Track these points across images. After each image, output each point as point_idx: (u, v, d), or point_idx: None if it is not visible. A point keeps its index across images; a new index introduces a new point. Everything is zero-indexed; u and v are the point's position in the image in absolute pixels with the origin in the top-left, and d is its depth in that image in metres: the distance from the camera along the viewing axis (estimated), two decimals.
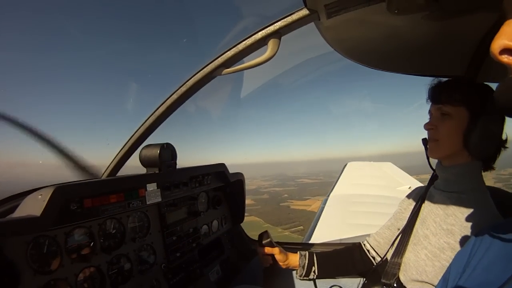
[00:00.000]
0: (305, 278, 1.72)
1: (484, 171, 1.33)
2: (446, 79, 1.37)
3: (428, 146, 1.38)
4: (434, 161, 1.44)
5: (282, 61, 1.41)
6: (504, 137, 1.25)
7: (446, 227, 1.25)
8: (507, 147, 1.28)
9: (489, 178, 1.36)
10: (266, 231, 1.79)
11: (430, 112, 1.37)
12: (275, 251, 1.72)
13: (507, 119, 1.25)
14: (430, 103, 1.37)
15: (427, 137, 1.39)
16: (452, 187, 1.33)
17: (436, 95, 1.33)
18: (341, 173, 8.73)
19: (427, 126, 1.35)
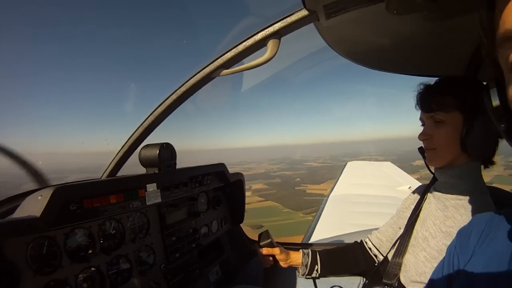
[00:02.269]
0: (307, 276, 1.72)
1: (485, 168, 1.32)
2: (434, 83, 1.35)
3: (426, 155, 1.37)
4: None
5: (284, 58, 1.41)
6: None
7: (445, 229, 1.24)
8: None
9: (499, 165, 1.34)
10: (266, 231, 1.79)
11: (421, 119, 1.35)
12: (276, 251, 1.72)
13: None
14: (420, 111, 1.35)
15: (423, 146, 1.38)
16: (451, 189, 1.32)
17: (426, 103, 1.31)
18: (341, 173, 8.76)
19: (421, 137, 1.33)
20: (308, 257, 1.71)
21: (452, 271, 0.80)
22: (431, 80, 1.37)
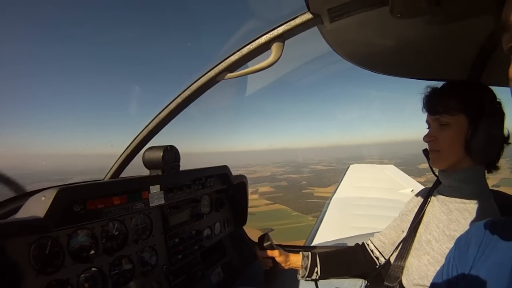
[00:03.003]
0: (307, 279, 1.72)
1: (488, 173, 1.32)
2: (440, 86, 1.36)
3: (430, 157, 1.37)
4: None
5: (288, 62, 1.42)
6: (506, 133, 1.25)
7: (449, 233, 1.24)
8: (510, 143, 1.27)
9: (505, 168, 1.35)
10: (266, 234, 1.79)
11: (427, 122, 1.36)
12: (275, 253, 1.72)
13: (507, 115, 1.24)
14: (427, 113, 1.36)
15: (427, 148, 1.38)
16: (455, 192, 1.32)
17: (432, 106, 1.31)
18: (344, 175, 8.72)
19: (426, 139, 1.34)
20: (308, 259, 1.71)
21: (452, 283, 0.79)
22: (439, 84, 1.37)
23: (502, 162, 1.31)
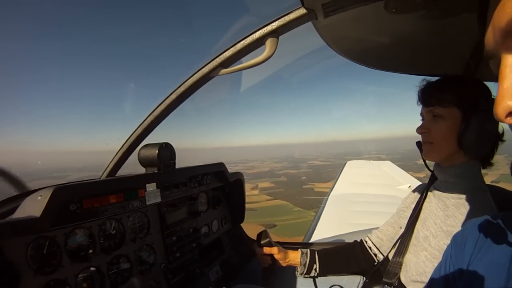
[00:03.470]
0: (306, 276, 1.72)
1: (483, 169, 1.32)
2: (435, 80, 1.37)
3: (422, 149, 1.38)
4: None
5: (282, 57, 1.42)
6: (500, 130, 1.25)
7: (446, 228, 1.25)
8: (504, 140, 1.27)
9: (503, 164, 1.36)
10: (264, 231, 1.79)
11: (421, 114, 1.37)
12: (274, 250, 1.73)
13: None
14: (421, 106, 1.37)
15: (421, 140, 1.39)
16: (451, 188, 1.32)
17: (426, 98, 1.33)
18: (341, 172, 8.76)
19: (419, 130, 1.35)
20: (307, 256, 1.72)
21: (449, 280, 0.79)
22: (435, 78, 1.38)
23: (501, 158, 1.32)
